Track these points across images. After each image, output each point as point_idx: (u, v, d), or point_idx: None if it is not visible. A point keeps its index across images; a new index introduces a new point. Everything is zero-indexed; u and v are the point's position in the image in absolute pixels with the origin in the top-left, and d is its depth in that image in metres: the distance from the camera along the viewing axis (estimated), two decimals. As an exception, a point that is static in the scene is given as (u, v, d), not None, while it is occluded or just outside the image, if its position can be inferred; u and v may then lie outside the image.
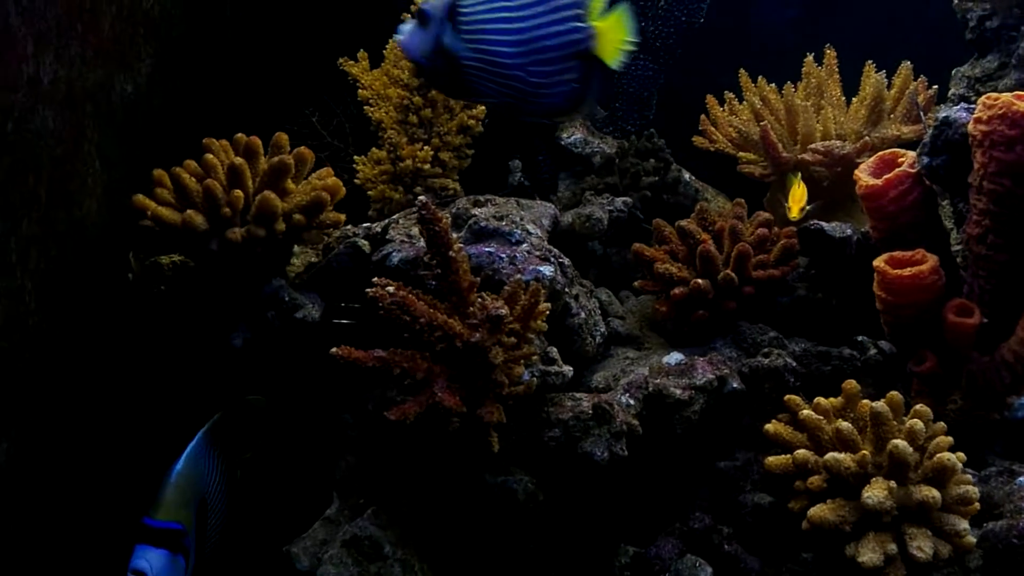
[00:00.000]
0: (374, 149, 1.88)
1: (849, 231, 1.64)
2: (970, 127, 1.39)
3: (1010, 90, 1.75)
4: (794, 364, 1.53)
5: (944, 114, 1.48)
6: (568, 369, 1.50)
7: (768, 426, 1.46)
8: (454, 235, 1.42)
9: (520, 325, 1.36)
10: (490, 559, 1.62)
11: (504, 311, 1.29)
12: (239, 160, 1.52)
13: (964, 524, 1.31)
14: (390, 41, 1.90)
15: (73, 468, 1.55)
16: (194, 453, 1.54)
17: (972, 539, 1.33)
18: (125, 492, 1.66)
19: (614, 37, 1.34)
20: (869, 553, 1.30)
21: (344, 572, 1.51)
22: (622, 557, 1.55)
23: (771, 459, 1.43)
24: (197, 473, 1.54)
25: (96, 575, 1.60)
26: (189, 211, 1.49)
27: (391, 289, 1.31)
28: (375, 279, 1.34)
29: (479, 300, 1.37)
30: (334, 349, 1.33)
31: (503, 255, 1.50)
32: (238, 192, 1.51)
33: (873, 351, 1.57)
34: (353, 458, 1.62)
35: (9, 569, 1.41)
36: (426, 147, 1.83)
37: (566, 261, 1.58)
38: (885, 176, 1.52)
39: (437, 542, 1.57)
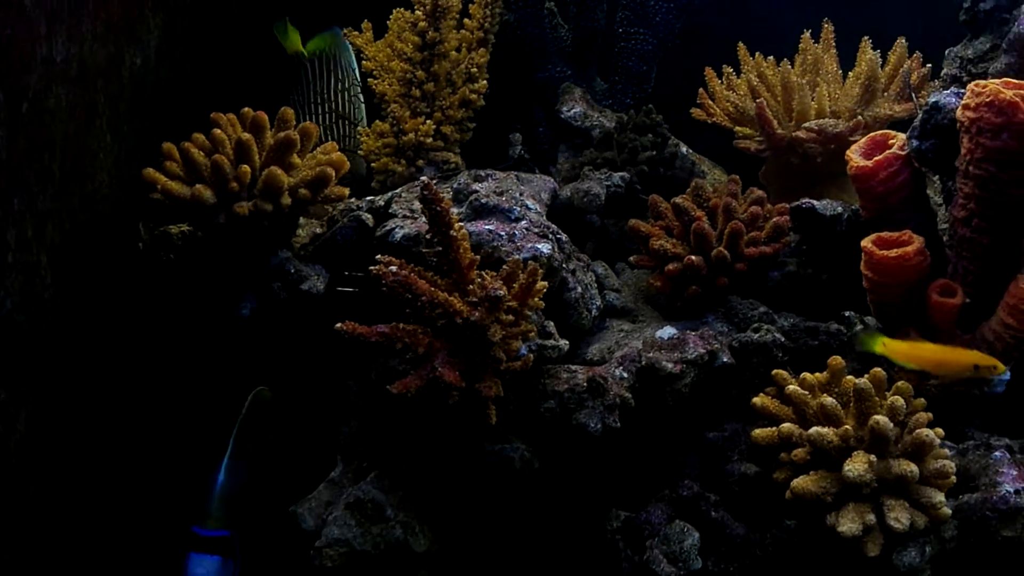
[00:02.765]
0: (377, 122, 1.92)
1: (840, 209, 1.68)
2: (958, 113, 1.43)
3: (1001, 73, 1.78)
4: (782, 339, 1.58)
5: (934, 99, 1.51)
6: (564, 343, 1.55)
7: (756, 399, 1.51)
8: (454, 211, 1.47)
9: (518, 303, 1.41)
10: (488, 523, 1.69)
11: (502, 292, 1.34)
12: (246, 136, 1.56)
13: (940, 497, 1.37)
14: (394, 12, 1.93)
15: (89, 438, 1.61)
16: (231, 459, 1.64)
17: (948, 511, 1.39)
18: (140, 461, 1.72)
19: None
20: (848, 523, 1.37)
21: (347, 533, 1.58)
22: (614, 522, 1.61)
23: (757, 431, 1.49)
24: (235, 478, 1.64)
25: (111, 542, 1.68)
26: (198, 186, 1.54)
27: (394, 268, 1.36)
28: (378, 256, 1.39)
29: (479, 278, 1.42)
30: (338, 325, 1.38)
31: (502, 233, 1.54)
32: (245, 167, 1.55)
33: (859, 327, 1.62)
34: (356, 423, 1.68)
35: (27, 534, 1.47)
36: (428, 120, 1.86)
37: (563, 237, 1.63)
38: (875, 158, 1.56)
39: (437, 506, 1.64)
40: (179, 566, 1.59)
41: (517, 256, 1.47)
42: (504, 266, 1.41)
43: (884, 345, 1.47)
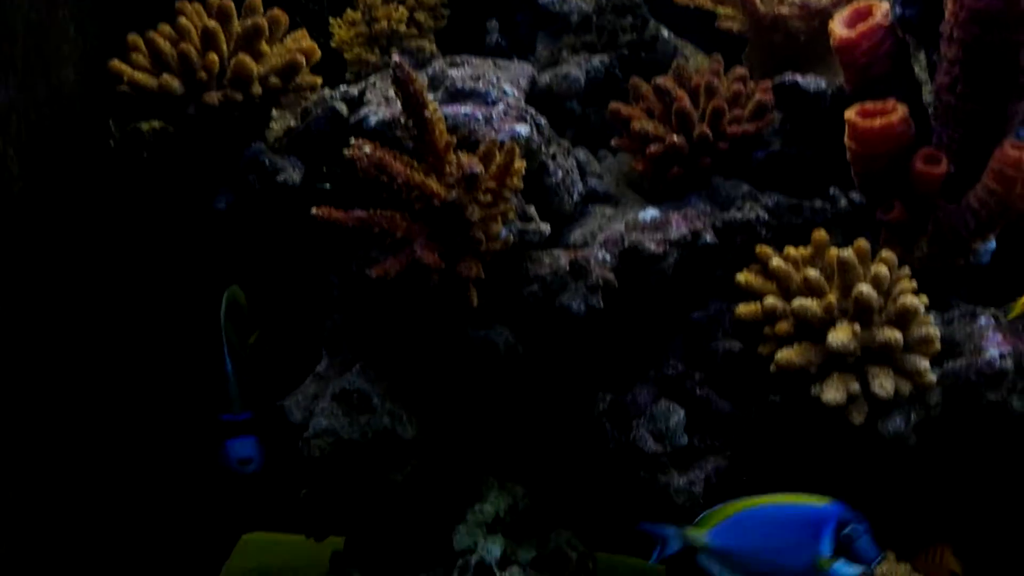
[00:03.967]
0: (349, 11, 1.86)
1: (824, 85, 1.65)
2: (943, -25, 1.39)
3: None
4: (766, 216, 1.57)
5: (918, -38, 1.47)
6: (545, 226, 1.53)
7: (739, 276, 1.51)
8: (430, 96, 1.44)
9: (496, 183, 1.39)
10: (475, 411, 1.70)
11: (479, 169, 1.32)
12: (212, 23, 1.52)
13: (925, 363, 1.38)
14: None
15: (63, 336, 1.59)
16: (228, 347, 1.69)
17: (933, 377, 1.39)
18: (119, 361, 1.72)
19: None
20: (833, 392, 1.37)
21: (335, 423, 1.58)
22: (600, 404, 1.62)
23: (741, 307, 1.49)
24: (239, 364, 1.71)
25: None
26: (165, 76, 1.50)
27: (368, 149, 1.33)
28: (352, 140, 1.36)
29: (455, 160, 1.39)
30: (314, 209, 1.36)
31: (479, 115, 1.51)
32: (213, 56, 1.51)
33: (844, 202, 1.61)
34: (340, 317, 1.68)
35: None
36: (401, 7, 1.81)
37: (543, 120, 1.59)
38: (858, 28, 1.52)
39: (424, 395, 1.64)
40: (218, 456, 1.69)
41: (495, 137, 1.44)
42: (481, 146, 1.39)
43: None
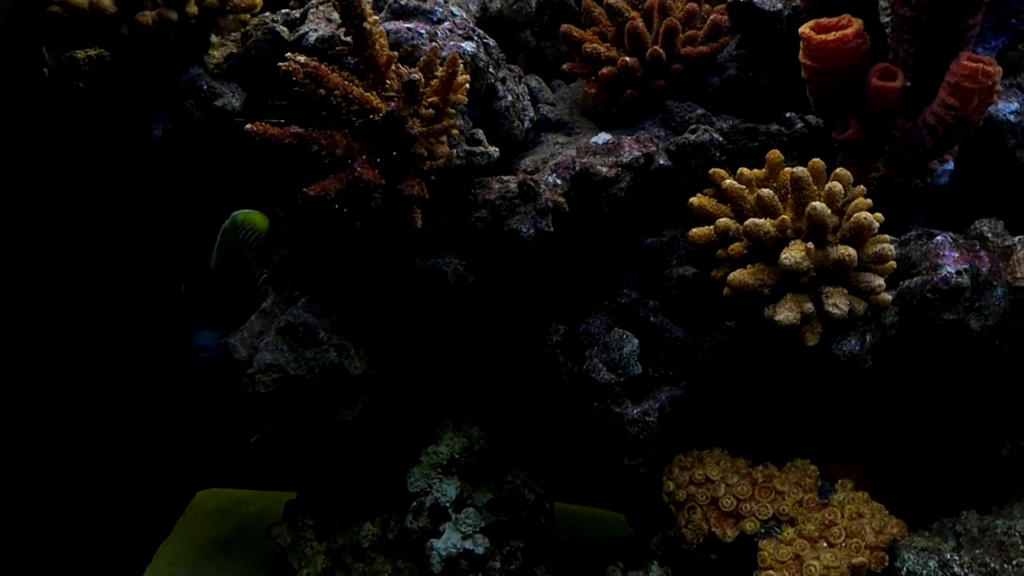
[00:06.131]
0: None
1: (779, 5, 1.60)
2: None
3: None
4: (720, 139, 1.53)
5: None
6: (494, 150, 1.48)
7: (693, 199, 1.47)
8: (373, 14, 1.38)
9: (439, 98, 1.34)
10: (426, 345, 1.65)
11: (418, 76, 1.27)
12: (144, -60, 1.45)
13: (879, 281, 1.34)
14: None
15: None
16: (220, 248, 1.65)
17: (888, 296, 1.36)
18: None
19: None
20: (786, 312, 1.34)
21: (280, 358, 1.54)
22: (553, 336, 1.58)
23: (694, 230, 1.45)
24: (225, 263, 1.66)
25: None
26: (96, -7, 1.43)
27: (302, 59, 1.28)
28: (287, 54, 1.31)
29: (396, 75, 1.34)
30: (248, 126, 1.31)
31: (423, 31, 1.45)
32: (145, -27, 1.45)
33: (800, 125, 1.57)
34: (286, 251, 1.63)
35: None
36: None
37: (491, 42, 1.54)
38: (814, -58, 1.48)
39: (373, 330, 1.59)
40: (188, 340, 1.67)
41: (438, 48, 1.38)
42: (423, 57, 1.33)
43: None
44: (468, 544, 1.64)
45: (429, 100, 1.33)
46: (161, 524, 2.05)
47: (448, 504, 1.68)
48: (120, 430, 1.90)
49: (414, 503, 1.68)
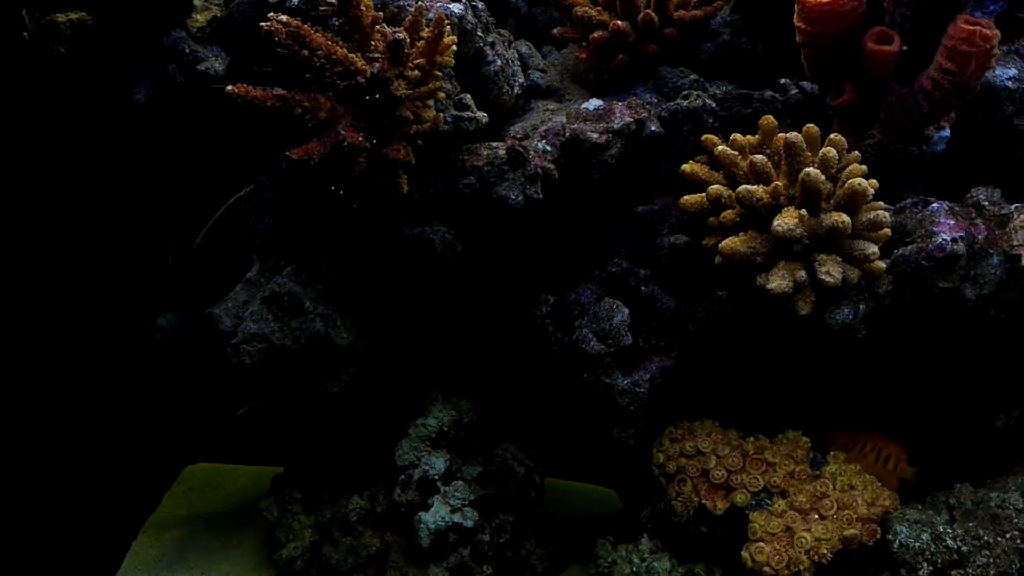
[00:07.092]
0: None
1: (775, -32, 1.58)
2: None
3: None
4: (713, 105, 1.50)
5: None
6: (483, 115, 1.45)
7: (685, 166, 1.44)
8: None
9: (425, 60, 1.31)
10: (415, 317, 1.63)
11: (403, 36, 1.24)
12: (124, -102, 1.42)
13: (873, 248, 1.32)
14: None
15: None
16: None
17: (882, 264, 1.34)
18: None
19: None
20: (778, 280, 1.31)
21: (265, 328, 1.51)
22: (543, 306, 1.56)
23: (686, 197, 1.42)
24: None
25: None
26: (74, -48, 1.40)
27: (284, 19, 1.25)
28: (269, 14, 1.27)
29: (381, 36, 1.31)
30: (230, 87, 1.27)
31: (409, -7, 1.42)
32: (125, -69, 1.42)
33: (794, 91, 1.54)
34: (272, 220, 1.60)
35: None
36: None
37: (480, 5, 1.51)
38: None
39: (360, 300, 1.57)
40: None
41: (424, 7, 1.35)
42: (408, 17, 1.30)
43: None
44: (457, 517, 1.62)
45: (415, 62, 1.30)
46: (149, 498, 2.03)
47: (437, 477, 1.66)
48: (107, 405, 1.88)
49: (402, 476, 1.66)
